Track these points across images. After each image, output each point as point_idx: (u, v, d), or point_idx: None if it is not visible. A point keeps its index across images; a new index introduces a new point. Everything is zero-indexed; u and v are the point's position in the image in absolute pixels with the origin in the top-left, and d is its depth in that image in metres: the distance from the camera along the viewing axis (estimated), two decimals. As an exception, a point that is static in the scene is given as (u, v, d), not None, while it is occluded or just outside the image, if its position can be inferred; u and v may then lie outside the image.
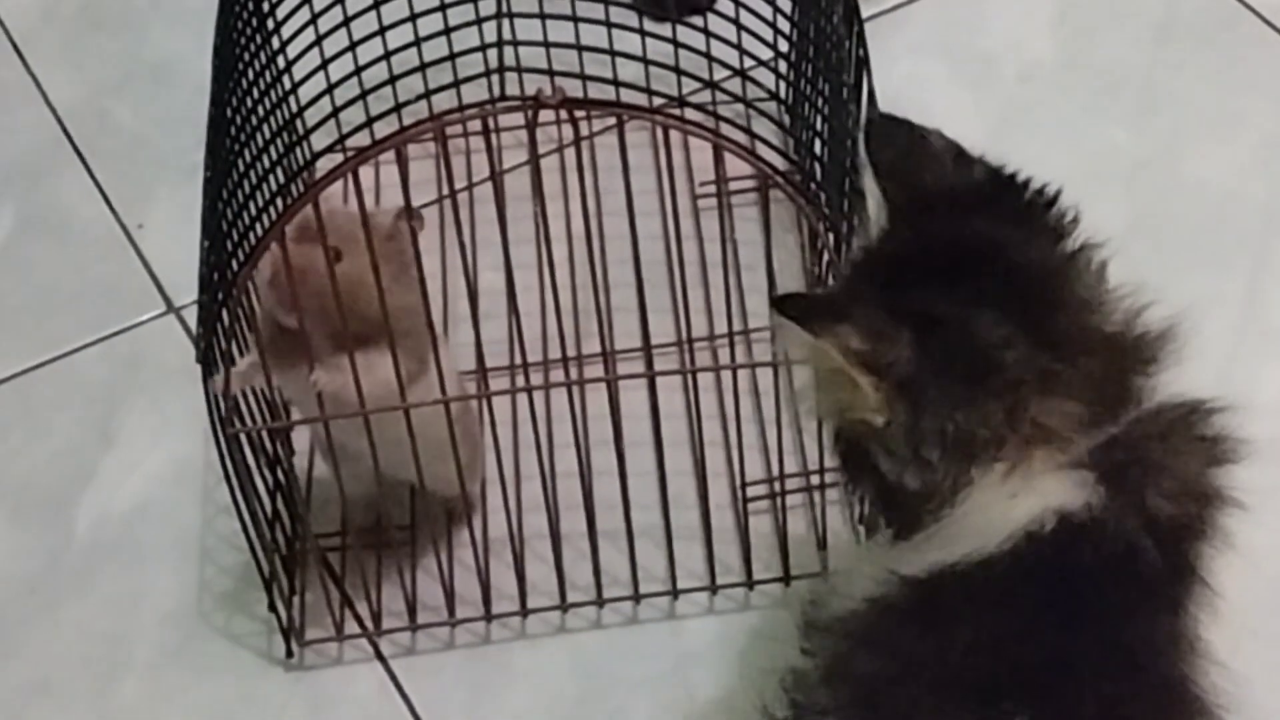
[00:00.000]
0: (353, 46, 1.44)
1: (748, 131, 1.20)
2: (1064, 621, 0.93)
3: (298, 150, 1.43)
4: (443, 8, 1.45)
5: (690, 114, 1.30)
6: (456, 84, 1.41)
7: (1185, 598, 0.95)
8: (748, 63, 1.51)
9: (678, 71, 1.47)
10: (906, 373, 0.94)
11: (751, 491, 1.32)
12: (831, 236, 1.15)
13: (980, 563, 0.94)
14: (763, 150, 1.13)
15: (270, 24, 1.39)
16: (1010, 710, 0.91)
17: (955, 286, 0.96)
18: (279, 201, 1.17)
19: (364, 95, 1.44)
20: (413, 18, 1.45)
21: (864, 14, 1.28)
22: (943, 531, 0.96)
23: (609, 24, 1.48)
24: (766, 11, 1.45)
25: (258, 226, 1.14)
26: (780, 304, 0.96)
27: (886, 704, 0.95)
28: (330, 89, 1.44)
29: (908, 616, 0.96)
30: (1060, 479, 0.94)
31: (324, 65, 1.44)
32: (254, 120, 1.26)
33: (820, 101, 1.32)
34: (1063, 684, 0.92)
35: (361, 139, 1.15)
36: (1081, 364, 0.95)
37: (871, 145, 1.02)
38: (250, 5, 1.33)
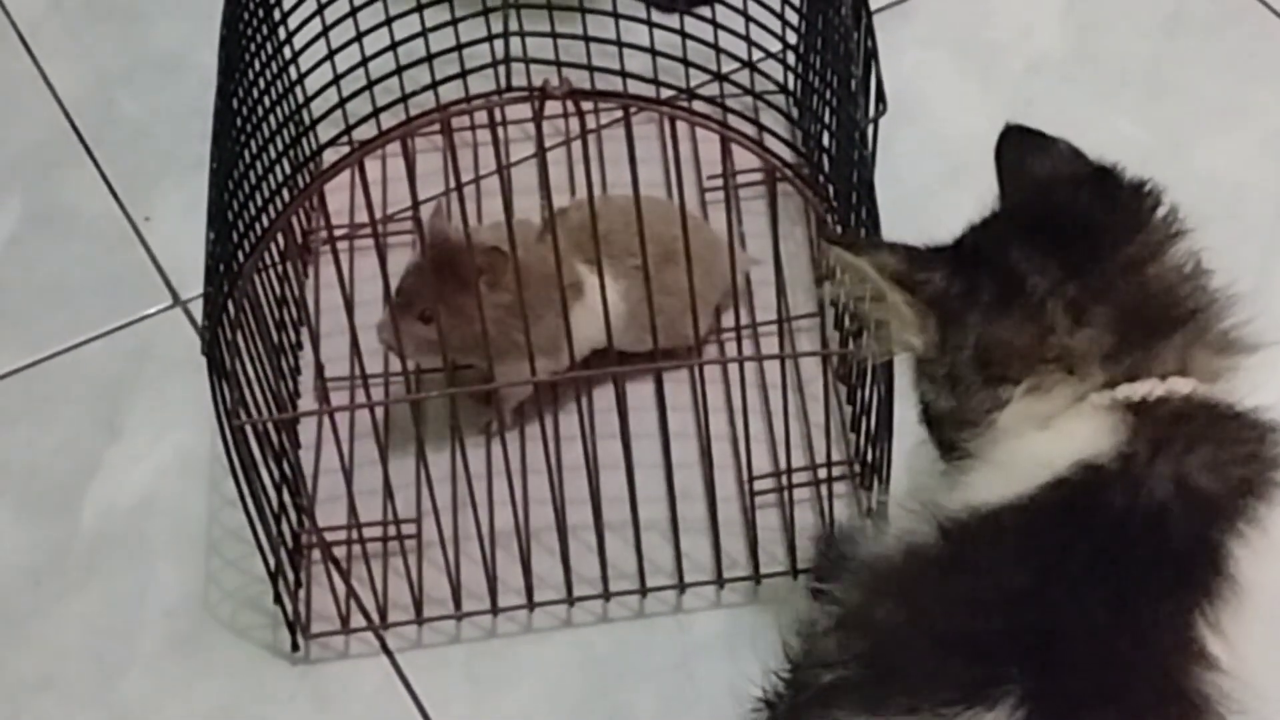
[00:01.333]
0: (359, 37, 1.44)
1: (755, 124, 1.20)
2: (1078, 582, 0.93)
3: (304, 141, 1.43)
4: (450, -2, 1.45)
5: (698, 106, 1.30)
6: (463, 75, 1.41)
7: (1208, 579, 0.94)
8: (756, 55, 1.50)
9: (685, 63, 1.47)
10: (939, 290, 1.01)
11: (759, 485, 1.32)
12: (840, 227, 1.14)
13: (1007, 507, 0.96)
14: (770, 142, 1.12)
15: (277, 15, 1.38)
16: (1005, 676, 0.91)
17: (1009, 234, 1.02)
18: (285, 193, 1.17)
19: (370, 86, 1.44)
20: (419, 8, 1.45)
21: (872, 6, 1.27)
22: (976, 465, 1.00)
23: (616, 15, 1.47)
24: (775, 3, 1.45)
25: (264, 218, 1.14)
26: (830, 235, 1.06)
27: (891, 657, 0.95)
28: (336, 80, 1.44)
29: (933, 564, 0.97)
30: (1090, 420, 0.96)
31: (330, 56, 1.43)
32: (260, 112, 1.26)
33: (828, 94, 1.31)
34: (1063, 653, 0.92)
35: (368, 130, 1.15)
36: (1118, 302, 0.98)
37: (1000, 149, 1.08)
38: (256, -4, 1.33)
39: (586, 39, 1.47)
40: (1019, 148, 1.08)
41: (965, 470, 1.01)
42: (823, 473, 1.31)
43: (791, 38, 1.48)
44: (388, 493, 1.30)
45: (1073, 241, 1.01)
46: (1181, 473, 0.95)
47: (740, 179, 1.43)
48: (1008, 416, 1.00)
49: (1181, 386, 0.98)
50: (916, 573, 0.98)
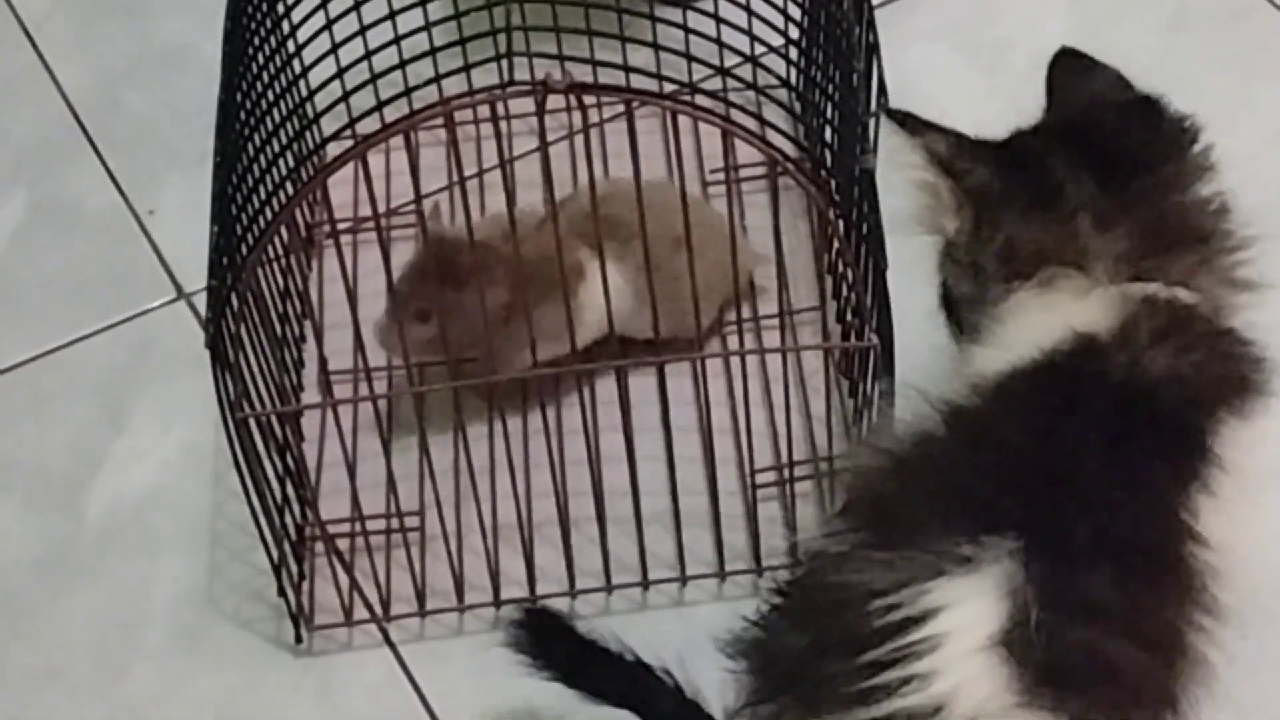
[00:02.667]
0: (362, 31, 1.44)
1: (758, 118, 1.20)
2: (1075, 442, 0.98)
3: (307, 135, 1.43)
4: (453, -7, 1.45)
5: (700, 100, 1.30)
6: (466, 69, 1.41)
7: (1196, 457, 1.00)
8: (758, 49, 1.50)
9: (688, 57, 1.47)
10: (979, 183, 1.07)
11: (760, 478, 1.32)
12: (841, 223, 1.15)
13: (1009, 374, 1.02)
14: (773, 136, 1.13)
15: (280, 9, 1.38)
16: (1005, 523, 0.95)
17: (1052, 144, 1.09)
18: (288, 187, 1.17)
19: (373, 80, 1.44)
20: (422, 2, 1.45)
21: (874, 1, 1.28)
22: (983, 346, 1.06)
23: (619, 10, 1.47)
24: (777, -2, 1.45)
25: (267, 211, 1.14)
26: (891, 112, 1.11)
27: (896, 516, 0.99)
28: (340, 73, 1.44)
29: (936, 439, 1.02)
30: (1095, 304, 1.02)
31: (334, 50, 1.44)
32: (264, 105, 1.26)
33: (830, 88, 1.32)
34: (1060, 507, 0.96)
35: (371, 124, 1.15)
36: (1140, 218, 1.05)
37: (1052, 67, 1.15)
38: (260, -9, 1.33)
39: (589, 33, 1.47)
40: (1070, 68, 1.14)
41: (973, 352, 1.07)
42: (825, 466, 1.31)
43: (794, 32, 1.48)
44: (391, 485, 1.30)
45: (1110, 160, 1.07)
46: (1175, 361, 1.01)
47: (742, 173, 1.44)
48: (1017, 302, 1.06)
49: (1185, 297, 1.04)
50: (920, 448, 1.02)
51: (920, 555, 0.95)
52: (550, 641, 1.13)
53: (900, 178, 1.10)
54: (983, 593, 0.94)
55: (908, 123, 1.09)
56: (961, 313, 1.11)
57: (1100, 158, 1.07)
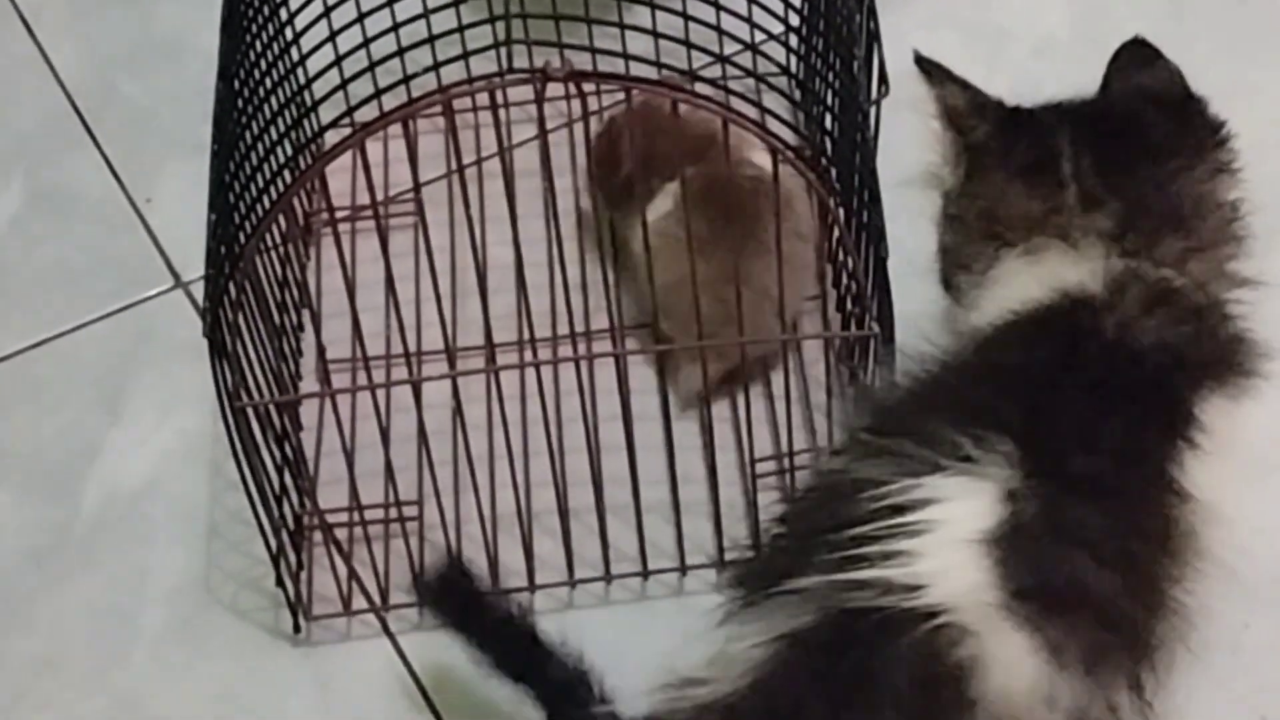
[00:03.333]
0: (361, 19, 1.44)
1: (758, 106, 1.19)
2: (1069, 390, 1.00)
3: (305, 123, 1.42)
4: (452, -21, 1.44)
5: (700, 88, 1.30)
6: (465, 56, 1.40)
7: (1182, 421, 1.01)
8: (758, 37, 1.49)
9: (688, 45, 1.46)
10: (980, 139, 1.10)
11: (760, 467, 1.32)
12: (841, 211, 1.14)
13: (1004, 324, 1.05)
14: (773, 125, 1.12)
15: (278, -3, 1.38)
16: (1002, 438, 0.97)
17: (1070, 119, 1.10)
18: (286, 175, 1.17)
19: (372, 68, 1.43)
20: (421, -11, 1.44)
21: (875, -12, 1.27)
22: (969, 309, 1.09)
23: (618, -3, 1.47)
24: (777, -15, 1.44)
25: (265, 200, 1.14)
26: (921, 61, 1.13)
27: (895, 424, 1.01)
28: (338, 61, 1.43)
29: (940, 370, 1.05)
30: (1085, 268, 1.04)
31: (332, 38, 1.43)
32: (261, 93, 1.25)
33: (831, 76, 1.31)
34: (1055, 439, 0.98)
35: (369, 112, 1.14)
36: (1135, 200, 1.06)
37: (1116, 54, 1.16)
38: (258, -22, 1.32)
39: (588, 20, 1.47)
40: (1132, 57, 1.15)
41: (963, 314, 1.10)
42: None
43: (794, 19, 1.47)
44: (389, 475, 1.30)
45: (1122, 144, 1.08)
46: (1164, 332, 1.02)
47: (743, 161, 1.43)
48: (1005, 268, 1.07)
49: (1173, 279, 1.05)
50: (922, 377, 1.05)
51: (919, 451, 0.97)
52: (462, 604, 1.14)
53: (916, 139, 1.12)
54: (979, 491, 0.95)
55: (933, 73, 1.11)
56: (948, 266, 1.13)
57: (1113, 140, 1.08)
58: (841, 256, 1.36)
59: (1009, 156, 1.09)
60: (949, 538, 0.94)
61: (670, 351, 1.31)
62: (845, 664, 0.94)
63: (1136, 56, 1.15)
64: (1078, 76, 1.57)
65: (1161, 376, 1.02)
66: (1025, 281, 1.06)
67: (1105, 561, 0.96)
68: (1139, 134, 1.09)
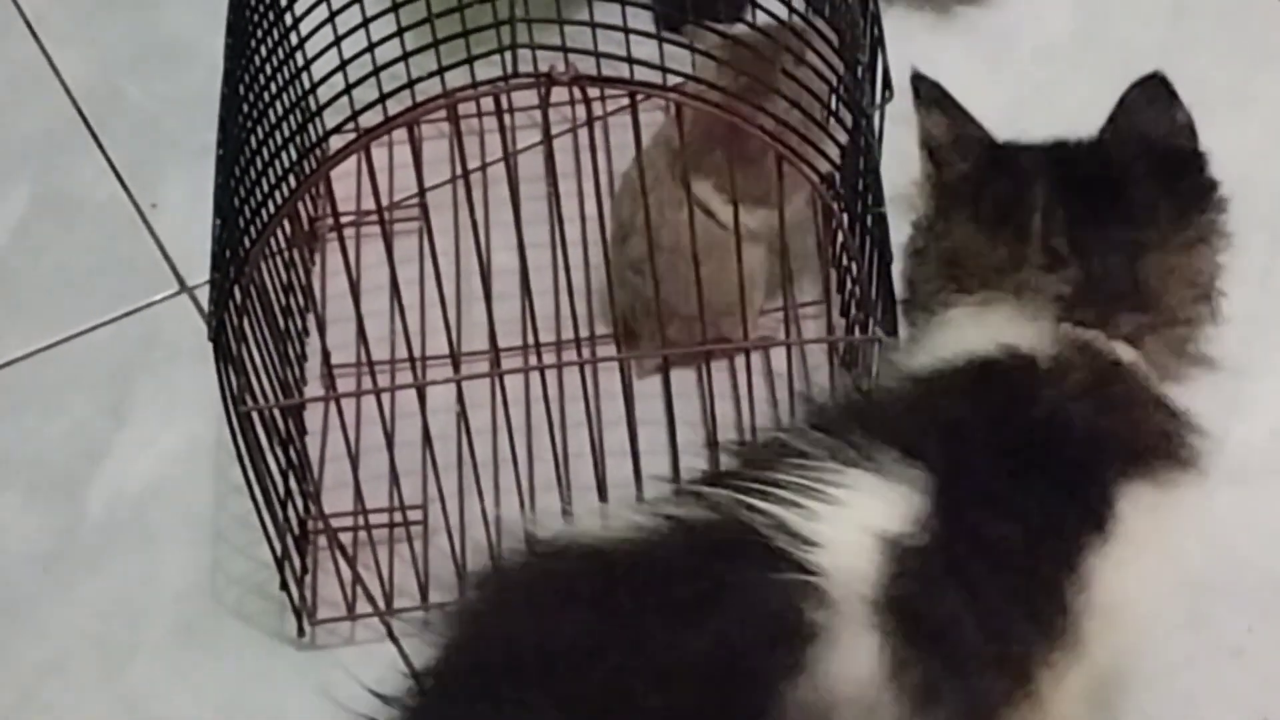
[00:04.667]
0: (365, 23, 1.43)
1: (762, 110, 1.19)
2: (994, 448, 0.99)
3: (310, 128, 1.42)
4: (456, -16, 1.44)
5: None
6: (469, 61, 1.40)
7: (1101, 510, 0.98)
8: (762, 41, 1.50)
9: (692, 50, 1.46)
10: (954, 177, 1.08)
11: (764, 471, 1.32)
12: (845, 216, 1.14)
13: (941, 370, 1.03)
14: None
15: (283, 1, 1.38)
16: (920, 469, 0.97)
17: (1053, 167, 1.07)
18: (291, 180, 1.17)
19: (376, 72, 1.43)
20: (425, -6, 1.44)
21: (879, -7, 1.27)
22: (922, 343, 1.07)
23: (624, 1, 1.47)
24: (781, -10, 1.44)
25: (270, 204, 1.14)
26: (918, 79, 1.12)
27: (831, 422, 1.01)
28: (343, 66, 1.43)
29: (878, 397, 1.05)
30: (1035, 331, 1.02)
31: (336, 42, 1.43)
32: (266, 98, 1.26)
33: (835, 81, 1.31)
34: (969, 487, 0.97)
35: (374, 117, 1.15)
36: (1100, 268, 1.03)
37: (1129, 90, 1.12)
38: (263, -17, 1.33)
39: (593, 25, 1.47)
40: (1144, 98, 1.11)
41: (909, 349, 1.09)
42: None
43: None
44: (394, 479, 1.30)
45: (1103, 204, 1.05)
46: (1096, 419, 1.00)
47: (747, 166, 1.43)
48: (956, 315, 1.06)
49: (1125, 354, 1.03)
50: (855, 406, 1.05)
51: (849, 452, 0.97)
52: None
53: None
54: (894, 500, 0.95)
55: (924, 97, 1.10)
56: (907, 302, 1.12)
57: (1092, 195, 1.05)
58: (845, 261, 1.36)
59: (979, 203, 1.07)
60: (855, 521, 0.95)
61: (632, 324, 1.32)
62: (713, 562, 0.94)
63: (1149, 96, 1.11)
64: (1080, 81, 1.58)
65: (1089, 460, 1.00)
66: (973, 333, 1.04)
67: (982, 625, 0.95)
68: (1123, 191, 1.06)
